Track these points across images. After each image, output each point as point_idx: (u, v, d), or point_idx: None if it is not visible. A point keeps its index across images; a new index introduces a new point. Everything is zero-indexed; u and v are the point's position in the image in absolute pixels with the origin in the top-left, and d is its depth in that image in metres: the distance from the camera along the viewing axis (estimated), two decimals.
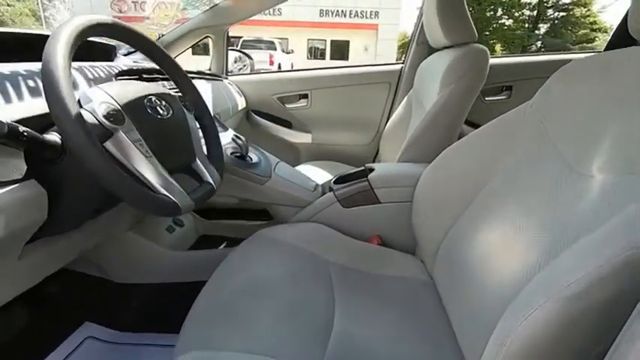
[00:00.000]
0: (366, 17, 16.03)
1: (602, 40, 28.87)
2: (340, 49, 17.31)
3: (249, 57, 1.86)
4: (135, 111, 0.56)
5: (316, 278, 0.76)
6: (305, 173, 1.39)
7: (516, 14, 26.12)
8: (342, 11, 15.72)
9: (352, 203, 0.97)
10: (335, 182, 1.04)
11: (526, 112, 0.73)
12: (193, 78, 1.34)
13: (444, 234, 0.78)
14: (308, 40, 17.05)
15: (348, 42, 17.03)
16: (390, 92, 1.64)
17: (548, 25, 26.17)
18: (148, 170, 0.54)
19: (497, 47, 27.21)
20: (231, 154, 0.98)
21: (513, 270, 0.56)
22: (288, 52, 12.66)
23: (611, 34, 1.57)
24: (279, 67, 10.98)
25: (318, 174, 1.46)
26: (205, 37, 1.58)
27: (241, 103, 1.59)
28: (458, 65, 1.03)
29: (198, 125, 0.77)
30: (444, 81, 1.04)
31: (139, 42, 0.66)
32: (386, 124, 1.67)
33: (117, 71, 0.79)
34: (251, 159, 1.00)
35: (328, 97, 1.69)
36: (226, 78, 1.65)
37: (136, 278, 1.02)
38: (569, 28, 25.76)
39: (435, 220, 0.81)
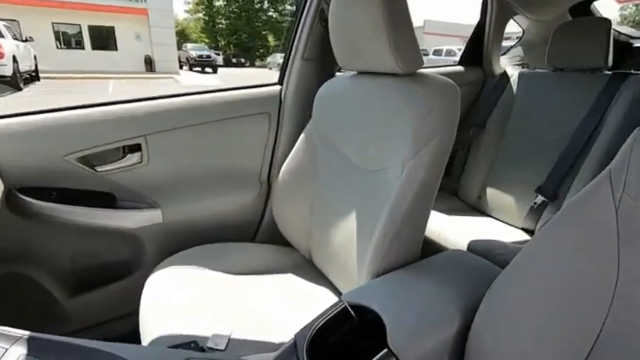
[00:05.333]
0: (131, 0, 13.66)
1: None
2: (103, 36, 14.24)
3: None
4: None
5: None
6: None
7: (280, 8, 28.81)
8: None
9: None
10: None
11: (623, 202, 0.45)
12: None
13: None
14: (53, 23, 13.09)
15: (112, 28, 14.15)
16: (271, 126, 1.15)
17: None
18: None
19: (270, 38, 29.41)
20: None
21: None
22: (25, 40, 9.23)
23: (462, 51, 1.62)
24: (15, 59, 7.85)
25: (195, 290, 0.84)
26: None
27: None
28: (434, 109, 0.69)
29: None
30: (421, 134, 0.68)
31: None
32: (270, 170, 1.19)
33: None
34: None
35: (177, 143, 1.04)
36: None
37: None
38: None
39: None
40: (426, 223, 0.74)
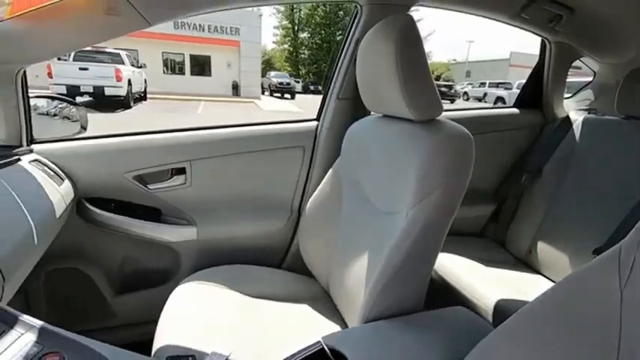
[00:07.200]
0: (226, 33, 15.42)
1: None
2: (201, 64, 16.24)
3: (74, 103, 1.15)
4: None
5: None
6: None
7: None
8: (200, 25, 14.69)
9: None
10: None
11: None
12: None
13: None
14: (163, 52, 15.33)
15: (209, 57, 16.06)
16: (305, 159, 1.22)
17: None
18: None
19: None
20: None
21: None
22: (140, 66, 10.96)
23: (519, 93, 1.54)
24: (130, 82, 9.34)
25: (210, 307, 0.91)
26: None
27: (62, 199, 0.91)
28: (439, 159, 0.68)
29: None
30: (424, 183, 0.68)
31: None
32: (302, 201, 1.24)
33: None
34: None
35: (217, 169, 1.16)
36: (30, 151, 0.94)
37: None
38: None
39: None
40: (428, 272, 0.72)
